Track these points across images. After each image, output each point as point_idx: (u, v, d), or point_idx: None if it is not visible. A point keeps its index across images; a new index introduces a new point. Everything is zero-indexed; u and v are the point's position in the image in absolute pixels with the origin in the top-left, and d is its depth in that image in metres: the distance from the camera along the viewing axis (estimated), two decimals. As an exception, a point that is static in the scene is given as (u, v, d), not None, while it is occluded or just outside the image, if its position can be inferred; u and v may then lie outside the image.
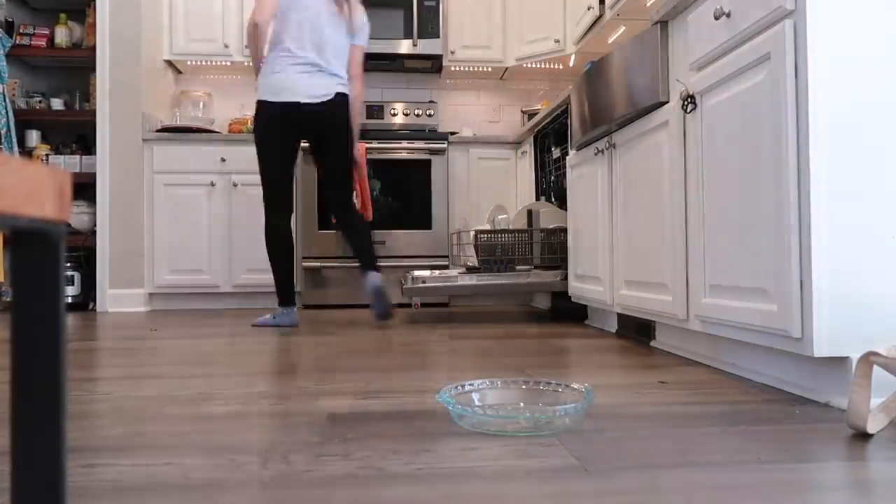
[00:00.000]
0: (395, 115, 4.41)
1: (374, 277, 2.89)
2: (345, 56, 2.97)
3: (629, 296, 2.22)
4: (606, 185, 2.42)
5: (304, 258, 3.88)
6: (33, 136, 4.11)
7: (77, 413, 1.31)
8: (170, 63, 4.27)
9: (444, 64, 4.31)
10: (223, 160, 3.90)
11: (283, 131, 2.87)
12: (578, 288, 2.79)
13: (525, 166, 3.89)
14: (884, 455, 0.99)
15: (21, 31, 4.07)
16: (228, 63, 4.26)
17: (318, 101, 2.86)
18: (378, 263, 2.95)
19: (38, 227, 0.46)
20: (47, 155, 4.02)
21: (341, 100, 2.92)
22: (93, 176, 3.83)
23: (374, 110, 4.40)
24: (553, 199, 3.44)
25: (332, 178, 3.00)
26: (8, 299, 3.87)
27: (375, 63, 4.33)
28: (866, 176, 1.29)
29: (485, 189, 4.09)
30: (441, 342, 2.31)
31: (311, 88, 2.84)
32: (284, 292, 2.90)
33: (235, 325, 2.94)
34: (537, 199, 3.67)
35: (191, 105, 4.31)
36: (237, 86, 4.52)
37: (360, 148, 3.83)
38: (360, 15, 3.00)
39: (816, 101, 1.28)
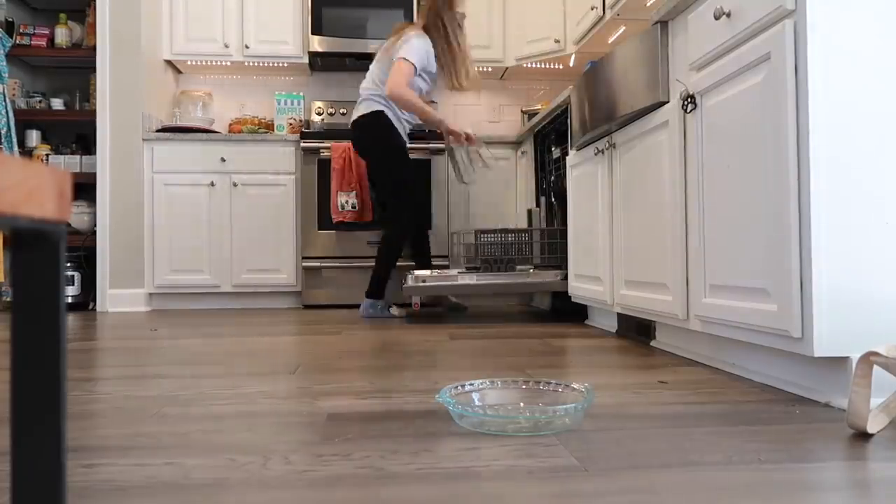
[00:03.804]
0: (395, 115, 4.40)
1: (364, 304, 3.29)
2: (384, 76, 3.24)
3: (629, 296, 2.22)
4: (606, 185, 2.42)
5: (303, 258, 3.88)
6: (33, 136, 4.12)
7: (77, 413, 1.31)
8: (170, 63, 4.27)
9: (444, 64, 4.31)
10: (223, 160, 3.90)
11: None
12: (578, 288, 2.79)
13: (525, 166, 3.89)
14: (884, 455, 0.99)
15: (21, 31, 4.07)
16: (228, 63, 4.25)
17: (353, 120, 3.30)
18: (376, 292, 3.27)
19: (38, 227, 0.46)
20: (47, 155, 4.02)
21: (365, 120, 3.26)
22: (93, 176, 3.83)
23: (374, 110, 4.40)
24: (553, 199, 3.44)
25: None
26: (8, 299, 3.87)
27: (375, 63, 4.33)
28: (866, 175, 1.29)
29: (485, 189, 4.09)
30: (441, 342, 2.31)
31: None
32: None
33: (235, 325, 2.94)
34: (537, 199, 3.67)
35: (191, 105, 4.31)
36: (237, 86, 4.52)
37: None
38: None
39: (816, 101, 1.28)
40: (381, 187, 3.40)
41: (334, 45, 4.13)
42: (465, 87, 3.34)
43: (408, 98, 3.11)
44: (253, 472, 0.94)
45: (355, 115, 3.31)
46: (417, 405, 1.34)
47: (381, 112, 3.23)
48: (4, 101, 3.73)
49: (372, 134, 3.25)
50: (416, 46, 3.12)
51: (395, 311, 3.30)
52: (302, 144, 3.89)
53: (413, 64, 3.09)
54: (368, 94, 3.26)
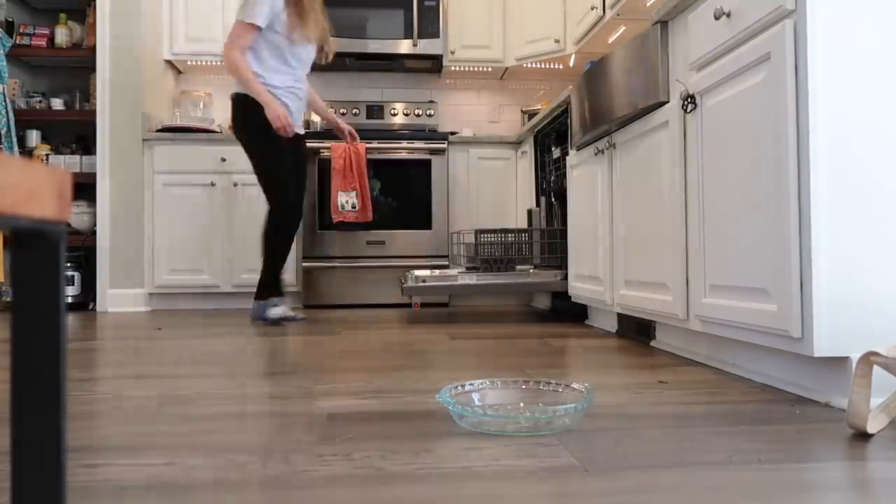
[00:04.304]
0: (395, 115, 4.41)
1: (253, 307, 2.98)
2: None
3: (629, 296, 2.22)
4: (606, 184, 2.42)
5: (304, 258, 3.88)
6: (33, 136, 4.11)
7: (77, 413, 1.31)
8: (170, 63, 4.27)
9: (444, 64, 4.31)
10: (223, 160, 3.90)
11: None
12: (578, 288, 2.79)
13: (525, 166, 3.89)
14: (884, 455, 0.99)
15: (21, 31, 4.07)
16: (228, 63, 4.25)
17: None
18: (268, 294, 2.97)
19: (38, 227, 0.46)
20: (47, 155, 4.02)
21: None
22: (93, 176, 3.83)
23: (374, 110, 4.41)
24: (553, 199, 3.44)
25: None
26: (8, 299, 3.87)
27: (375, 63, 4.33)
28: (866, 176, 1.29)
29: (485, 189, 4.09)
30: (441, 342, 2.31)
31: None
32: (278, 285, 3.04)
33: (235, 325, 2.94)
34: (537, 199, 3.67)
35: (191, 105, 4.31)
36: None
37: (360, 147, 3.84)
38: None
39: (816, 101, 1.28)
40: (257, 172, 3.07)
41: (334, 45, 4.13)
42: (312, 40, 3.02)
43: (240, 71, 2.88)
44: (253, 472, 0.94)
45: None
46: (417, 405, 1.34)
47: (237, 92, 2.99)
48: (4, 101, 3.72)
49: (233, 116, 3.05)
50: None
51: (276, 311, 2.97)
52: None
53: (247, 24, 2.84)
54: None
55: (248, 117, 2.95)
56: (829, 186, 1.28)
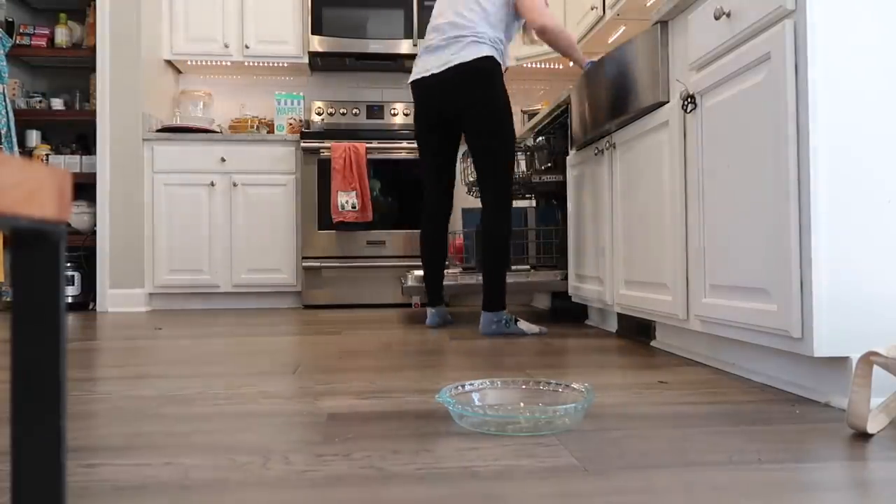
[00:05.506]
0: (395, 115, 4.41)
1: (486, 319, 2.52)
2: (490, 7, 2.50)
3: (629, 296, 2.22)
4: (606, 184, 2.42)
5: (303, 258, 3.88)
6: (33, 136, 4.12)
7: (77, 413, 1.31)
8: (170, 63, 4.27)
9: (444, 64, 4.31)
10: (223, 160, 3.90)
11: (423, 116, 2.65)
12: (578, 288, 2.79)
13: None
14: (884, 455, 0.99)
15: (21, 31, 4.07)
16: (228, 63, 4.26)
17: (439, 70, 2.49)
18: (496, 303, 2.52)
19: (38, 227, 0.46)
20: (47, 155, 4.02)
21: (469, 67, 2.45)
22: (93, 176, 3.83)
23: (374, 110, 4.41)
24: (553, 200, 3.44)
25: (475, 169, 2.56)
26: (8, 299, 3.87)
27: (375, 63, 4.33)
28: (866, 176, 1.29)
29: (485, 189, 4.09)
30: (441, 342, 2.31)
31: (434, 60, 2.53)
32: (427, 293, 2.80)
33: (235, 325, 2.94)
34: (537, 198, 3.67)
35: (191, 105, 4.32)
36: (237, 86, 4.52)
37: (361, 148, 3.83)
38: None
39: (816, 101, 1.28)
40: (481, 158, 2.54)
41: (334, 45, 4.14)
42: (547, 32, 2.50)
43: (566, 33, 2.47)
44: (253, 472, 0.94)
45: (452, 60, 2.48)
46: (417, 405, 1.34)
47: (493, 58, 2.49)
48: (4, 101, 3.72)
49: (483, 84, 2.47)
50: None
51: (524, 325, 2.51)
52: (302, 144, 3.90)
53: None
54: (472, 31, 2.47)
55: (502, 85, 2.53)
56: (829, 186, 1.28)
